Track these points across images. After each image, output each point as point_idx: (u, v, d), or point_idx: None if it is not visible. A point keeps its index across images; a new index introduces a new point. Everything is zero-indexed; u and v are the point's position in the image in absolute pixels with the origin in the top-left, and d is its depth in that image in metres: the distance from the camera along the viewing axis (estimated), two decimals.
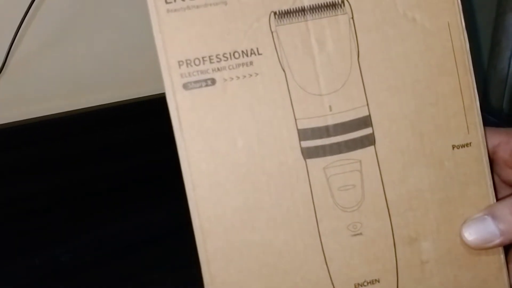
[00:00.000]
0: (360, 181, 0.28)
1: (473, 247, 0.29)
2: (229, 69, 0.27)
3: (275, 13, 0.28)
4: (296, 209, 0.28)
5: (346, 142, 0.28)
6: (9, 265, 0.47)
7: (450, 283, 0.29)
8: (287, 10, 0.28)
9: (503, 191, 0.31)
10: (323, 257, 0.28)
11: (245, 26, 0.28)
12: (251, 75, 0.28)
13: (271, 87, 0.28)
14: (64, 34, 0.58)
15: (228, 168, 0.28)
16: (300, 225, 0.28)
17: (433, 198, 0.29)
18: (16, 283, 0.46)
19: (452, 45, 0.29)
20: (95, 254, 0.48)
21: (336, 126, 0.28)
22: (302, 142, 0.28)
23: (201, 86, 0.27)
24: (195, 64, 0.27)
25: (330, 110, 0.28)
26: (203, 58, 0.27)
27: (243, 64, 0.28)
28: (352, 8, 0.28)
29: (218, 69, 0.27)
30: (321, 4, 0.28)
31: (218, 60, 0.27)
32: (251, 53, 0.28)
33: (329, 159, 0.28)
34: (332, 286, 0.28)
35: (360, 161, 0.28)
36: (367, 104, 0.28)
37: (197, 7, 0.27)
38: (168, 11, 0.27)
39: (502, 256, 0.29)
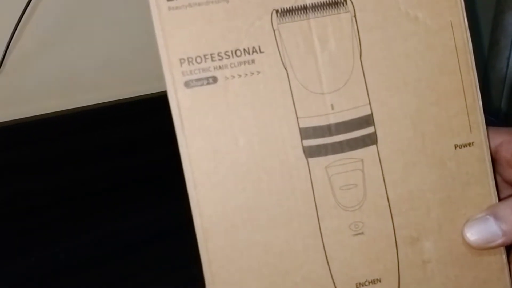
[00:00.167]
0: (362, 180, 0.28)
1: (475, 247, 0.29)
2: (231, 67, 0.27)
3: (277, 11, 0.28)
4: (298, 208, 0.28)
5: (348, 141, 0.28)
6: (7, 264, 0.47)
7: (452, 283, 0.29)
8: (289, 8, 0.28)
9: (505, 190, 0.31)
10: (324, 256, 0.28)
11: (247, 24, 0.27)
12: (252, 73, 0.27)
13: (273, 86, 0.28)
14: (62, 32, 0.58)
15: (229, 167, 0.27)
16: (301, 224, 0.28)
17: (435, 198, 0.29)
18: (15, 282, 0.46)
19: (455, 44, 0.29)
20: (95, 253, 0.48)
21: (338, 125, 0.28)
22: (304, 141, 0.28)
23: (202, 84, 0.27)
24: (197, 62, 0.27)
25: (332, 108, 0.28)
26: (204, 56, 0.27)
27: (244, 62, 0.27)
28: (355, 6, 0.28)
29: (220, 67, 0.27)
30: (323, 2, 0.28)
31: (220, 58, 0.27)
32: (253, 51, 0.27)
33: (331, 158, 0.28)
34: (333, 286, 0.28)
35: (362, 160, 0.28)
36: (369, 103, 0.28)
37: (199, 4, 0.27)
38: (169, 8, 0.27)
39: (504, 256, 0.29)
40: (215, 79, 0.27)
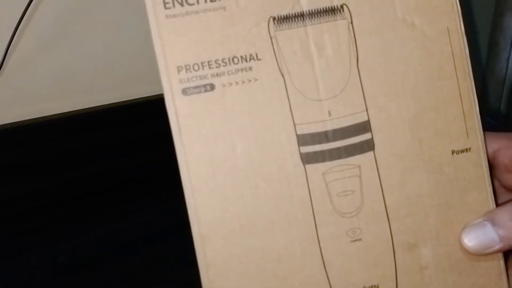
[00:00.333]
0: (359, 186, 0.28)
1: (473, 253, 0.29)
2: (228, 74, 0.27)
3: (274, 18, 0.28)
4: (295, 214, 0.28)
5: (345, 147, 0.28)
6: (7, 265, 0.47)
7: None
8: (286, 15, 0.28)
9: (503, 196, 0.31)
10: (322, 262, 0.28)
11: (244, 31, 0.27)
12: (250, 81, 0.27)
13: (270, 93, 0.28)
14: (61, 35, 0.58)
15: (227, 174, 0.28)
16: (299, 230, 0.28)
17: (432, 204, 0.29)
18: (14, 282, 0.46)
19: (452, 50, 0.29)
20: (95, 253, 0.48)
21: (335, 131, 0.28)
22: (301, 148, 0.28)
23: (200, 92, 0.27)
24: (194, 70, 0.27)
25: (329, 115, 0.28)
26: (202, 63, 0.27)
27: (242, 70, 0.27)
28: (351, 13, 0.28)
29: (217, 74, 0.27)
30: (320, 9, 0.28)
31: (217, 65, 0.27)
32: (250, 59, 0.27)
33: (328, 164, 0.28)
34: None
35: (359, 167, 0.28)
36: (366, 109, 0.28)
37: (196, 12, 0.27)
38: (167, 16, 0.27)
39: (502, 262, 0.29)
40: (212, 87, 0.27)
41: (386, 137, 0.29)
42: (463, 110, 0.29)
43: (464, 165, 0.29)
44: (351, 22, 0.28)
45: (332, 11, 0.28)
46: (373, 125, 0.28)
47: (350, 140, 0.28)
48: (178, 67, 0.27)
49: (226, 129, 0.27)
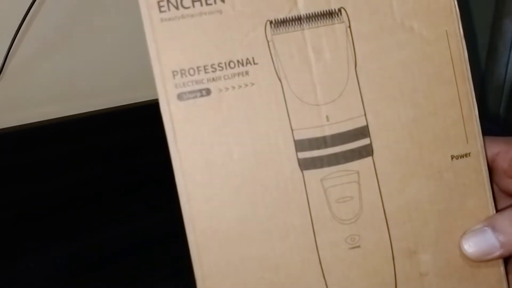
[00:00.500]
0: (358, 192, 0.28)
1: (473, 260, 0.28)
2: (225, 79, 0.27)
3: (271, 22, 0.27)
4: (293, 221, 0.28)
5: (343, 153, 0.28)
6: (5, 269, 0.46)
7: None
8: (283, 19, 0.27)
9: (503, 200, 0.31)
10: (320, 270, 0.28)
11: (241, 35, 0.27)
12: (246, 85, 0.27)
13: (267, 97, 0.27)
14: (61, 40, 0.58)
15: (224, 180, 0.27)
16: (297, 238, 0.28)
17: (432, 210, 0.28)
18: (12, 286, 0.45)
19: (450, 54, 0.29)
20: (93, 258, 0.48)
21: (333, 136, 0.28)
22: (299, 153, 0.28)
23: (195, 97, 0.27)
24: (190, 74, 0.27)
25: (327, 120, 0.28)
26: (197, 68, 0.27)
27: (238, 74, 0.27)
28: (349, 16, 0.28)
29: (213, 79, 0.27)
30: (318, 12, 0.28)
31: (213, 70, 0.27)
32: (246, 63, 0.27)
33: (326, 170, 0.28)
34: None
35: (358, 172, 0.28)
36: (365, 114, 0.28)
37: (192, 16, 0.27)
38: (162, 20, 0.27)
39: (502, 268, 0.29)
40: (208, 91, 0.27)
41: (385, 143, 0.28)
42: (462, 115, 0.29)
43: (464, 170, 0.29)
44: (349, 26, 0.28)
45: (329, 14, 0.28)
46: (371, 130, 0.28)
47: (349, 146, 0.28)
48: (173, 71, 0.27)
49: (223, 134, 0.27)
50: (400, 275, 0.28)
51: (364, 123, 0.28)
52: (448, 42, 0.29)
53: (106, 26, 0.60)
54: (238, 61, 0.27)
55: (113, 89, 0.63)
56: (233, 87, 0.27)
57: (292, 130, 0.27)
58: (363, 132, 0.28)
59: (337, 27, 0.28)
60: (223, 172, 0.27)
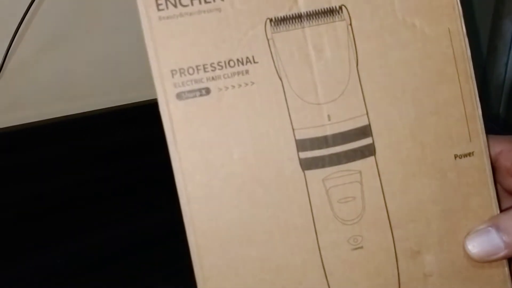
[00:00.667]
0: (360, 192, 0.28)
1: (477, 260, 0.28)
2: (224, 78, 0.27)
3: (271, 20, 0.27)
4: (294, 222, 0.27)
5: (345, 152, 0.27)
6: (5, 269, 0.46)
7: None
8: (284, 16, 0.27)
9: (506, 200, 0.30)
10: (323, 271, 0.27)
11: (240, 34, 0.27)
12: (247, 84, 0.27)
13: (267, 96, 0.27)
14: (60, 39, 0.59)
15: (224, 180, 0.27)
16: (298, 238, 0.27)
17: (435, 209, 0.28)
18: (12, 287, 0.45)
19: (453, 52, 0.28)
20: (92, 258, 0.48)
21: (335, 136, 0.27)
22: (300, 153, 0.27)
23: (195, 96, 0.26)
24: (189, 73, 0.26)
25: (329, 119, 0.27)
26: (197, 66, 0.26)
27: (238, 73, 0.27)
28: (350, 14, 0.27)
29: (213, 78, 0.26)
30: (318, 10, 0.27)
31: (213, 68, 0.26)
32: (246, 62, 0.27)
33: (328, 170, 0.27)
34: None
35: (360, 172, 0.28)
36: (367, 113, 0.28)
37: (190, 14, 0.26)
38: (160, 18, 0.26)
39: (507, 269, 0.29)
40: (208, 91, 0.26)
41: (387, 142, 0.28)
42: (465, 113, 0.28)
43: (467, 169, 0.28)
44: (350, 24, 0.27)
45: (330, 12, 0.27)
46: (374, 129, 0.28)
47: (351, 145, 0.27)
48: (172, 70, 0.26)
49: (223, 134, 0.27)
50: (403, 276, 0.28)
51: (366, 122, 0.28)
52: (451, 40, 0.28)
53: (105, 25, 0.60)
54: (237, 59, 0.27)
55: (112, 89, 0.63)
56: (233, 86, 0.27)
57: (293, 129, 0.27)
58: (365, 131, 0.28)
59: (338, 25, 0.27)
60: (223, 173, 0.27)
